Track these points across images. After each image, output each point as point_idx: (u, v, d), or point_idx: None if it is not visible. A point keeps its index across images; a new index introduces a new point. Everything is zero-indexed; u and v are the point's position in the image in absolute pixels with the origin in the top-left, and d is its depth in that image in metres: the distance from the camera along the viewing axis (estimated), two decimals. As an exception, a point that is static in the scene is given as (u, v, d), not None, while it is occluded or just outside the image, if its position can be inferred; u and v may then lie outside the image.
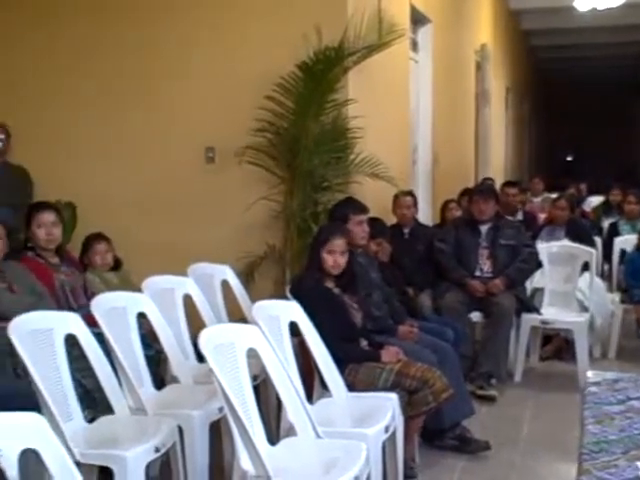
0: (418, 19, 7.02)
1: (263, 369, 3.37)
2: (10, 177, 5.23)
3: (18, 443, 1.93)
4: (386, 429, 3.12)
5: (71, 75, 5.49)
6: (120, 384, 3.23)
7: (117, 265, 4.49)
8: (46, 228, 4.05)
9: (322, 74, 4.73)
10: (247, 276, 4.94)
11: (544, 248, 5.56)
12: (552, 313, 5.27)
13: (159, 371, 3.84)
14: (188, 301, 4.05)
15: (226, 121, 5.17)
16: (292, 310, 3.39)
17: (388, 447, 3.25)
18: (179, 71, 5.32)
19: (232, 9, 5.25)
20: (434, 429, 3.85)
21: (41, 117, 5.51)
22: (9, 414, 2.02)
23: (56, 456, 1.98)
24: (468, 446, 3.89)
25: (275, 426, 3.46)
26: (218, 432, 3.42)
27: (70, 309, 3.77)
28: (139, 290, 3.89)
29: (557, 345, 5.72)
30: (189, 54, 5.31)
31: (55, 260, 4.13)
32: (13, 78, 5.54)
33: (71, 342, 3.14)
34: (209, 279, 4.37)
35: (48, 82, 5.52)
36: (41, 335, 3.01)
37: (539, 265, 5.44)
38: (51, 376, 2.97)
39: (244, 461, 2.63)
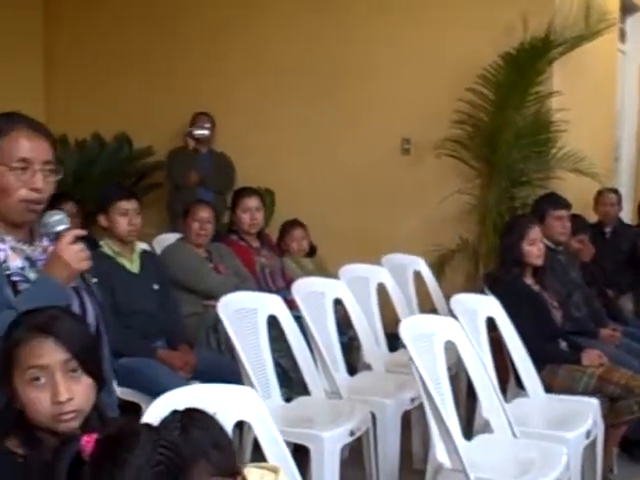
0: (628, 7, 6.62)
1: (455, 363, 3.37)
2: (215, 164, 5.49)
3: (233, 415, 2.01)
4: (587, 435, 2.98)
5: (274, 70, 5.67)
6: (316, 367, 3.31)
7: (312, 251, 4.61)
8: (250, 213, 4.23)
9: (527, 65, 4.60)
10: (438, 268, 4.89)
11: None
12: None
13: (351, 357, 3.90)
14: (380, 290, 4.08)
15: (423, 113, 5.13)
16: (490, 305, 3.33)
17: (587, 455, 3.10)
18: (380, 64, 5.33)
19: (435, 1, 5.21)
20: (636, 440, 3.63)
21: (243, 107, 5.73)
22: (225, 386, 2.12)
23: (267, 430, 2.05)
24: (672, 462, 3.64)
25: (465, 422, 3.40)
26: (406, 421, 3.42)
27: (269, 291, 3.91)
28: (333, 276, 3.97)
29: None
30: (391, 45, 5.30)
31: (256, 244, 4.31)
32: (220, 70, 5.80)
33: (270, 323, 3.25)
34: (402, 269, 4.38)
35: (252, 75, 5.74)
36: (246, 314, 3.15)
37: None
38: (253, 354, 3.10)
39: (440, 453, 2.60)
